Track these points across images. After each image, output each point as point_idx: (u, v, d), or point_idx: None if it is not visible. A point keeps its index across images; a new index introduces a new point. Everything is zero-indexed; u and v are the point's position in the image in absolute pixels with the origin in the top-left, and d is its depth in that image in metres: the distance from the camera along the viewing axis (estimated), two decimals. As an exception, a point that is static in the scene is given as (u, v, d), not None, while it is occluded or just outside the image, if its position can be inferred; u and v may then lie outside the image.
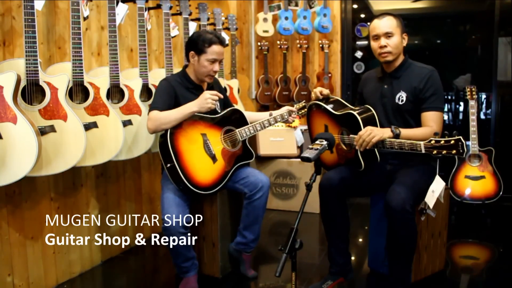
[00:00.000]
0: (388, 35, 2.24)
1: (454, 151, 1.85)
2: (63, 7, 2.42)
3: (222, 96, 2.41)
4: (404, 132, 2.11)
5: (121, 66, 2.49)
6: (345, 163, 2.34)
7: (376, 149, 2.19)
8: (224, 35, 3.61)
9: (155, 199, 3.21)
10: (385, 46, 2.25)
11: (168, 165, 2.27)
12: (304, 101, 2.75)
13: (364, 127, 2.15)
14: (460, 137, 1.84)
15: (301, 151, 3.90)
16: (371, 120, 2.22)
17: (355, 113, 2.20)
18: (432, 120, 2.19)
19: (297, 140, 3.93)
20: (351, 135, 2.22)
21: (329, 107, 2.39)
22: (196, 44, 2.36)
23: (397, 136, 2.08)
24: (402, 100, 2.26)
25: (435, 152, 1.90)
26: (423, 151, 1.94)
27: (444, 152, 1.88)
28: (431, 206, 2.15)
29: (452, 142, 1.85)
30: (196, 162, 2.31)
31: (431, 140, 1.91)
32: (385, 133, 2.08)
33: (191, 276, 2.37)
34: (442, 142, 1.88)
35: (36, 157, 1.95)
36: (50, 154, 2.11)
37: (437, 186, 2.13)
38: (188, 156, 2.29)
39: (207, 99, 2.28)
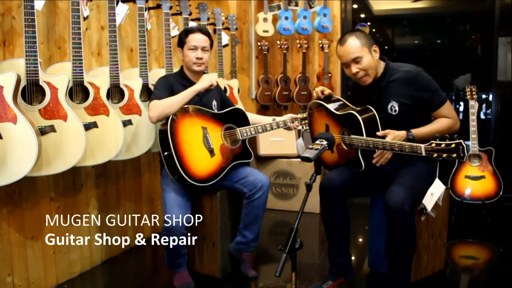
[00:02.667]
0: (356, 60, 2.15)
1: (454, 155, 1.85)
2: (63, 7, 2.42)
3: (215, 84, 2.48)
4: (417, 131, 2.11)
5: (121, 66, 2.49)
6: (346, 163, 2.34)
7: (377, 151, 2.20)
8: (224, 35, 3.62)
9: (155, 199, 3.21)
10: (358, 72, 2.16)
11: (166, 153, 2.28)
12: (312, 102, 2.75)
13: (365, 128, 2.14)
14: (461, 141, 1.84)
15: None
16: (373, 121, 2.21)
17: (356, 113, 2.19)
18: (445, 114, 2.19)
19: (298, 149, 3.91)
20: (352, 136, 2.21)
21: (330, 106, 2.39)
22: (179, 40, 2.49)
23: (411, 140, 2.07)
24: (395, 111, 2.20)
25: (435, 155, 1.89)
26: (423, 154, 1.93)
27: (445, 155, 1.87)
28: (429, 208, 2.15)
29: (453, 145, 1.85)
30: (194, 153, 2.31)
31: (431, 143, 1.90)
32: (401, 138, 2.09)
33: (184, 270, 2.41)
34: (443, 145, 1.87)
35: (36, 157, 1.95)
36: (50, 154, 2.11)
37: (436, 189, 2.13)
38: (186, 147, 2.29)
39: (207, 77, 2.43)
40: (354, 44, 2.15)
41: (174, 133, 2.26)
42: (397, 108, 2.20)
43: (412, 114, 2.21)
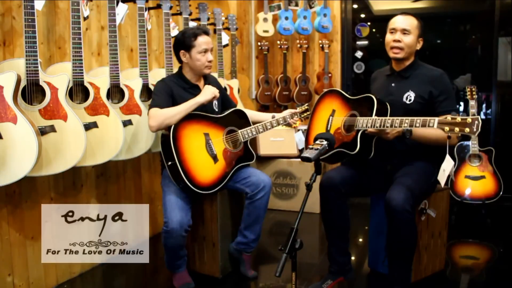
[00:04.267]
0: (405, 31, 2.25)
1: (467, 129, 1.82)
2: (63, 7, 2.42)
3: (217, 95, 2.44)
4: (416, 129, 2.09)
5: (121, 66, 2.49)
6: (339, 146, 2.30)
7: (373, 144, 2.19)
8: (224, 35, 3.62)
9: (155, 199, 3.21)
10: (399, 41, 2.26)
11: (169, 163, 2.27)
12: (306, 104, 2.75)
13: (376, 113, 2.15)
14: (478, 117, 1.82)
15: (301, 152, 3.90)
16: (385, 110, 2.21)
17: (373, 96, 2.21)
18: None
19: (297, 143, 3.93)
20: (358, 117, 2.21)
21: (345, 93, 2.44)
22: (183, 42, 2.39)
23: (406, 134, 2.07)
24: (410, 100, 2.26)
25: (447, 128, 1.87)
26: (435, 126, 1.92)
27: (457, 129, 1.84)
28: (442, 184, 2.12)
29: (469, 120, 1.83)
30: (197, 161, 2.31)
31: (447, 116, 1.90)
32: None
33: (183, 271, 2.42)
34: (458, 119, 1.85)
35: (36, 157, 1.95)
36: (50, 154, 2.11)
37: (447, 165, 2.11)
38: (189, 155, 2.29)
39: (210, 89, 2.37)
40: (413, 21, 2.28)
41: (177, 142, 2.26)
42: (412, 99, 2.25)
43: (424, 109, 2.23)
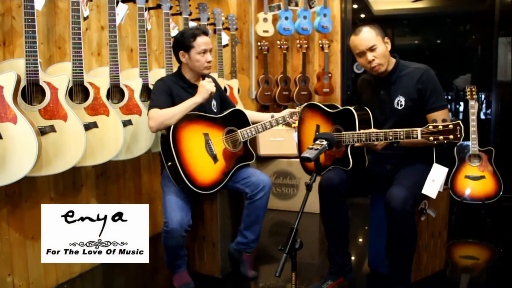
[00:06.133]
0: (372, 48, 2.18)
1: (451, 136, 1.83)
2: (63, 7, 2.42)
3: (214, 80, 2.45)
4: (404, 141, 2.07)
5: (121, 66, 2.49)
6: (332, 163, 2.33)
7: (365, 152, 2.20)
8: (224, 35, 3.62)
9: (155, 199, 3.21)
10: (373, 60, 2.19)
11: (169, 163, 2.28)
12: (306, 103, 2.75)
13: (359, 124, 2.15)
14: (459, 121, 1.82)
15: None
16: (366, 120, 2.22)
17: (352, 109, 2.21)
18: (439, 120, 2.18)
19: (295, 141, 3.93)
20: (343, 132, 2.22)
21: (323, 106, 2.42)
22: (182, 43, 2.38)
23: (393, 143, 2.06)
24: (401, 105, 2.24)
25: (431, 138, 1.88)
26: (419, 137, 1.92)
27: (441, 137, 1.85)
28: (433, 196, 2.10)
29: (451, 126, 1.83)
30: (197, 161, 2.31)
31: (428, 125, 1.90)
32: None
33: (183, 271, 2.42)
34: (440, 127, 1.86)
35: (36, 157, 1.95)
36: (50, 154, 2.11)
37: (437, 174, 2.08)
38: (189, 155, 2.29)
39: (205, 86, 2.33)
40: (370, 33, 2.20)
41: (177, 143, 2.26)
42: (403, 103, 2.23)
43: (416, 112, 2.22)
